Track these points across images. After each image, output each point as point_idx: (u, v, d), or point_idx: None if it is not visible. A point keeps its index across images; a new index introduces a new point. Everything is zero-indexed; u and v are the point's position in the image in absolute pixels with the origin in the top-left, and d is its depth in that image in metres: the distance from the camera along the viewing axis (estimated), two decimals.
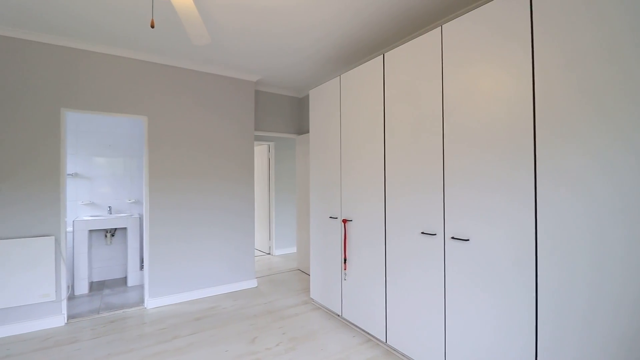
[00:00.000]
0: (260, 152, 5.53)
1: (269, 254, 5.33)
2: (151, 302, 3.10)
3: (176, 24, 2.49)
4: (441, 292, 1.85)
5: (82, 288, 3.48)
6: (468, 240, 1.69)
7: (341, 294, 2.73)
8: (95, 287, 3.68)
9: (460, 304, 1.75)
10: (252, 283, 3.70)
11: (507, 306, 1.53)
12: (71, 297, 3.36)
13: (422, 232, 1.94)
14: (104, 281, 3.88)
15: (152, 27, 1.47)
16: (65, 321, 2.75)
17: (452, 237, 1.76)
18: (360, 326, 2.52)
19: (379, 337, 2.33)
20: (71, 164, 3.77)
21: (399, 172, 2.13)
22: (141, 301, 3.26)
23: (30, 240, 2.58)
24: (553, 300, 1.37)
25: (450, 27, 1.79)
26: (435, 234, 1.88)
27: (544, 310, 1.40)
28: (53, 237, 2.65)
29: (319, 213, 2.98)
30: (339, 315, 2.83)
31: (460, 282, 1.74)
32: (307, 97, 4.29)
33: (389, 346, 2.29)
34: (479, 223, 1.65)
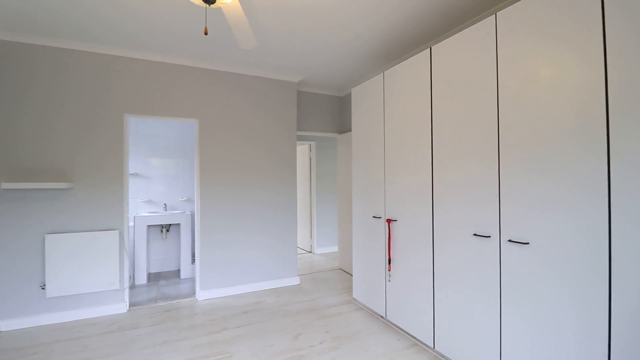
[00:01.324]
0: (302, 152, 5.61)
1: (310, 252, 5.40)
2: (202, 295, 3.29)
3: (225, 30, 2.61)
4: (496, 300, 1.73)
5: (141, 278, 3.80)
6: (528, 243, 1.56)
7: (385, 296, 2.67)
8: (153, 278, 3.99)
9: (518, 314, 1.62)
10: (295, 280, 3.76)
11: (571, 315, 1.39)
12: (132, 287, 3.68)
13: (475, 234, 1.83)
14: (160, 273, 4.19)
15: (206, 34, 1.54)
16: (127, 308, 3.01)
17: (510, 240, 1.64)
18: (406, 329, 2.44)
19: (426, 342, 2.25)
20: (131, 165, 4.13)
21: (448, 170, 2.03)
22: (193, 293, 3.47)
23: (100, 233, 2.87)
24: (629, 311, 1.21)
25: (507, 14, 1.66)
26: (489, 236, 1.76)
27: (619, 323, 1.25)
28: (117, 231, 2.92)
29: (361, 212, 2.94)
30: (382, 317, 2.77)
31: (517, 289, 1.61)
32: (348, 96, 4.26)
33: (437, 352, 2.19)
34: (539, 222, 1.51)
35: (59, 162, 2.79)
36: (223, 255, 3.39)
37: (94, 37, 2.71)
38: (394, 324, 2.63)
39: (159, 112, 3.13)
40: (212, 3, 1.53)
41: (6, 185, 2.51)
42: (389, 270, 2.59)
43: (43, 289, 2.72)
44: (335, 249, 5.45)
